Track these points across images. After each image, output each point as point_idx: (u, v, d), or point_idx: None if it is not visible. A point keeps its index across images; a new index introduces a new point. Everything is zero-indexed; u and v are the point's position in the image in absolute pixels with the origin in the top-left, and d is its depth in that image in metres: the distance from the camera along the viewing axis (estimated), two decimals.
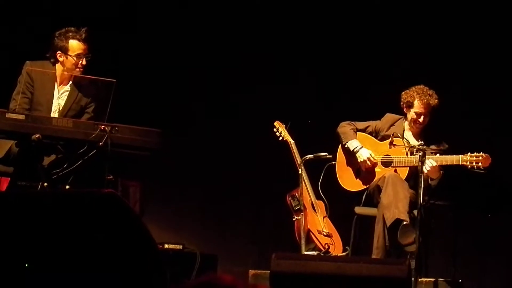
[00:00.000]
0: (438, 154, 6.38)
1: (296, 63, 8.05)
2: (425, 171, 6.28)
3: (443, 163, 6.26)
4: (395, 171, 6.49)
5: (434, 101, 6.51)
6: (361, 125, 6.78)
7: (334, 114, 7.61)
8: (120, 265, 3.82)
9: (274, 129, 6.91)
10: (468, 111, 7.56)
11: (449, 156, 6.30)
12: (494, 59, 7.62)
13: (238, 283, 1.77)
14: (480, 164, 6.15)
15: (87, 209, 3.84)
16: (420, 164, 6.06)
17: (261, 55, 8.05)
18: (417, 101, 6.53)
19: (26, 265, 3.80)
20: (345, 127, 6.75)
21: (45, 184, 5.55)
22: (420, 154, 6.11)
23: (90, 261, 3.78)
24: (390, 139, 6.46)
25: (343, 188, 6.71)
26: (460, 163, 6.20)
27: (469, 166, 6.16)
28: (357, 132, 6.74)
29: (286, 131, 6.87)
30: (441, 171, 6.23)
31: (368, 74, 7.77)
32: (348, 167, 6.75)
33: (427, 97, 6.50)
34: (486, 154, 6.18)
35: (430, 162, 6.27)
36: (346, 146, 6.69)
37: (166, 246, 6.10)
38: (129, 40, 7.97)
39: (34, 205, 3.94)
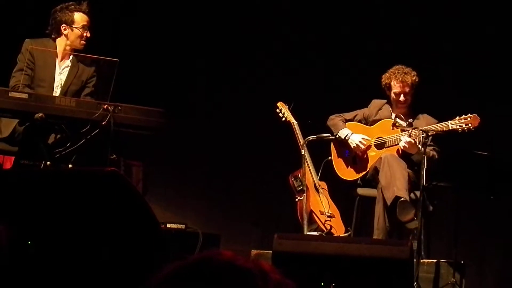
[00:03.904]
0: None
1: (300, 42, 8.04)
2: (401, 147, 6.33)
3: (434, 132, 6.26)
4: (397, 151, 6.49)
5: (410, 78, 6.53)
6: (348, 115, 6.83)
7: (338, 95, 7.63)
8: (123, 243, 3.83)
9: (277, 110, 6.91)
10: (464, 91, 7.56)
11: (438, 124, 6.31)
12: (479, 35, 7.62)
13: (238, 258, 1.77)
14: (470, 125, 6.17)
15: (90, 187, 3.85)
16: (422, 147, 6.08)
17: (264, 35, 8.04)
18: (393, 81, 6.58)
19: (29, 242, 3.81)
20: (334, 119, 6.80)
21: (48, 163, 5.55)
22: (423, 135, 6.13)
23: (93, 239, 3.79)
24: (393, 120, 6.46)
25: (344, 179, 6.73)
26: (450, 129, 6.21)
27: (459, 130, 6.19)
28: (346, 122, 6.77)
29: (289, 111, 6.87)
30: (420, 147, 6.20)
31: (370, 54, 7.77)
32: (343, 158, 6.77)
33: (402, 75, 6.53)
34: (474, 114, 6.19)
35: (405, 138, 6.31)
36: (337, 136, 6.71)
37: (168, 225, 6.11)
38: (130, 19, 7.95)
39: (37, 183, 3.95)
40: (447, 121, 6.25)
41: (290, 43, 8.07)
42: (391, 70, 6.62)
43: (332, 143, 6.79)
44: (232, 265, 1.76)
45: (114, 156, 5.61)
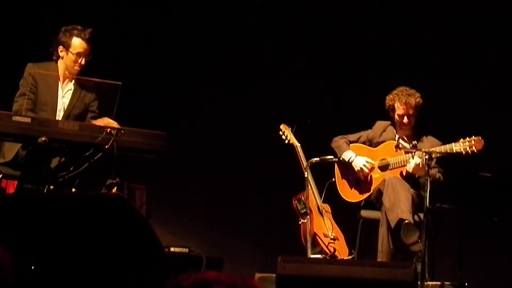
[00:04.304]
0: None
1: (303, 65, 8.05)
2: (410, 169, 6.33)
3: (438, 155, 6.26)
4: (401, 174, 6.48)
5: (414, 100, 6.52)
6: (353, 137, 6.82)
7: (341, 117, 7.62)
8: (127, 267, 3.82)
9: (280, 132, 6.91)
10: (470, 110, 7.56)
11: (442, 146, 6.30)
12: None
13: (221, 276, 1.80)
14: (474, 148, 6.16)
15: (95, 211, 3.85)
16: (427, 168, 6.07)
17: (267, 57, 8.05)
18: (397, 103, 6.57)
19: (32, 267, 3.80)
20: (338, 141, 6.79)
21: (51, 187, 5.55)
22: (427, 157, 6.13)
23: (97, 263, 3.78)
24: (396, 142, 6.44)
25: (347, 201, 6.73)
26: (454, 152, 6.20)
27: (463, 153, 6.17)
28: (350, 144, 6.77)
29: (292, 134, 6.87)
30: (427, 169, 6.18)
31: (374, 77, 7.77)
32: (346, 179, 6.77)
33: (405, 97, 6.52)
34: (478, 137, 6.18)
35: (416, 160, 6.31)
36: (341, 158, 6.71)
37: (172, 249, 6.09)
38: (132, 42, 7.96)
39: (41, 207, 3.94)
40: (451, 143, 6.24)
41: (293, 64, 8.07)
42: (394, 91, 6.61)
43: (336, 164, 6.78)
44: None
45: (117, 180, 5.60)
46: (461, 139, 6.21)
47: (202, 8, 8.16)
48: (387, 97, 6.64)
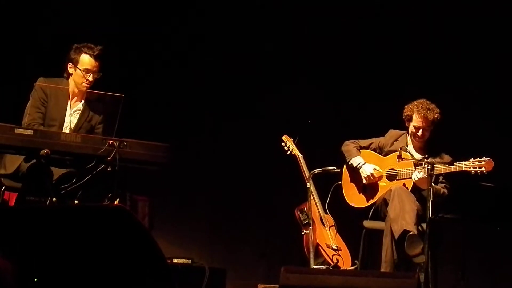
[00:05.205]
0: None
1: (306, 76, 8.06)
2: (414, 179, 6.33)
3: (447, 171, 6.26)
4: (404, 185, 6.48)
5: (433, 115, 6.50)
6: (364, 142, 6.81)
7: (344, 128, 7.63)
8: (129, 280, 3.82)
9: (282, 143, 6.92)
10: (476, 123, 7.55)
11: (452, 164, 6.30)
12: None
13: None
14: (483, 169, 6.16)
15: (96, 223, 3.85)
16: (429, 178, 6.07)
17: (270, 69, 8.06)
18: (415, 115, 6.54)
19: (35, 279, 3.80)
20: (348, 146, 6.79)
21: (54, 199, 5.55)
22: (429, 167, 6.13)
23: (99, 275, 3.78)
24: (398, 152, 6.44)
25: (351, 205, 6.72)
26: (463, 170, 6.20)
27: (472, 172, 6.17)
28: (361, 150, 6.77)
29: (294, 145, 6.89)
30: (433, 184, 6.18)
31: (379, 87, 7.78)
32: (354, 184, 6.77)
33: (425, 111, 6.49)
34: (488, 158, 6.18)
35: (417, 173, 6.31)
36: (350, 163, 6.72)
37: (175, 260, 6.09)
38: (135, 54, 7.98)
39: (43, 219, 3.94)
40: (461, 162, 6.24)
41: (296, 75, 8.08)
42: (415, 102, 6.58)
43: (345, 166, 6.78)
44: None
45: (120, 191, 5.61)
46: (472, 158, 6.20)
47: (210, 21, 8.19)
48: (406, 106, 6.61)
